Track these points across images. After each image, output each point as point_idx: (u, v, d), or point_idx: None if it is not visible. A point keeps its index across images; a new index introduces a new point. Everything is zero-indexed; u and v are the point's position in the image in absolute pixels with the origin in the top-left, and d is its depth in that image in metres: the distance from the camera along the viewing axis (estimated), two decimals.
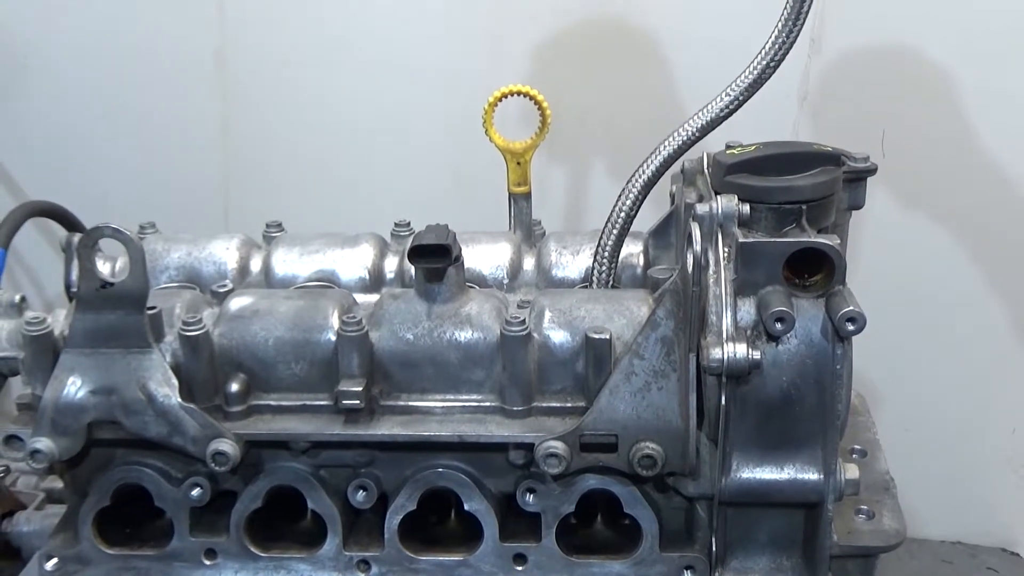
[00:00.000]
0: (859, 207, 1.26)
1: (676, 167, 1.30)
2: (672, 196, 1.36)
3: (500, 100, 1.32)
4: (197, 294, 1.24)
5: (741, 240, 1.08)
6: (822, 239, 1.07)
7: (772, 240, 1.08)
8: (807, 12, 1.22)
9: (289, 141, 2.04)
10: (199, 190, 2.07)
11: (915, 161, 1.88)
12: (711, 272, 1.09)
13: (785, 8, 1.21)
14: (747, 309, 1.08)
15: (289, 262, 1.31)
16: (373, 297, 1.24)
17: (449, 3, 1.93)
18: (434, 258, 1.13)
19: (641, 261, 1.31)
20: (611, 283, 1.27)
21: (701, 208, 1.10)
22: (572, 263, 1.30)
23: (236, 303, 1.19)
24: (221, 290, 1.24)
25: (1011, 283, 1.94)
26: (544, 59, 1.91)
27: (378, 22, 1.95)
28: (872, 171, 1.24)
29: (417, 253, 1.13)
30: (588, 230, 1.34)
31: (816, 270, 1.09)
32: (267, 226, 1.39)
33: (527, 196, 1.36)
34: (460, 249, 1.17)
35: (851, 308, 1.04)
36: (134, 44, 2.01)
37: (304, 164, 2.04)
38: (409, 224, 1.38)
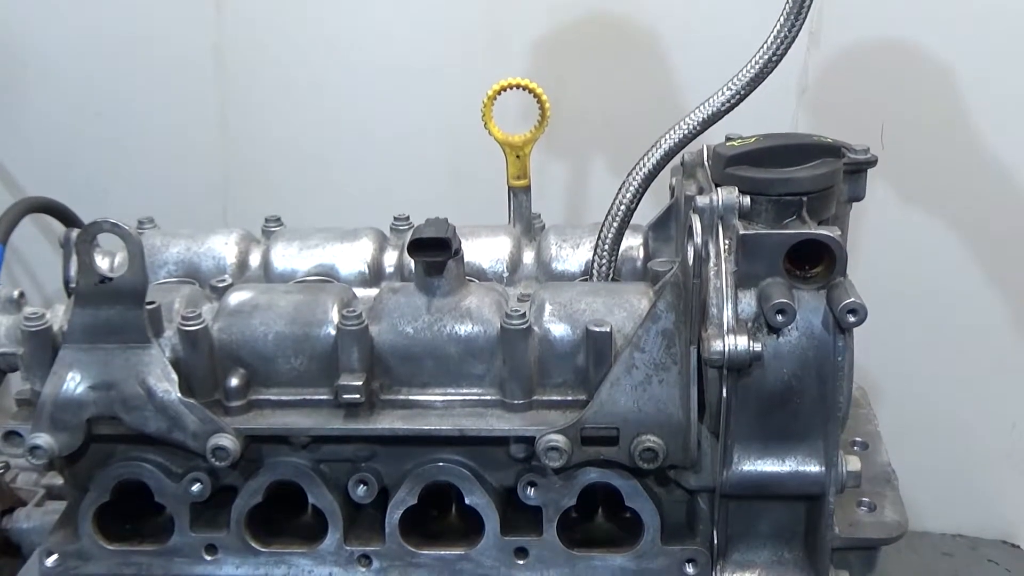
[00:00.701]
0: (859, 199, 1.26)
1: (676, 160, 1.29)
2: (672, 189, 1.36)
3: (499, 93, 1.31)
4: (196, 289, 1.24)
5: (742, 232, 1.07)
6: (823, 230, 1.07)
7: (773, 232, 1.08)
8: (809, 7, 1.22)
9: (288, 136, 2.03)
10: (198, 186, 2.06)
11: (914, 154, 1.88)
12: (712, 264, 1.09)
13: (787, 3, 1.21)
14: (748, 301, 1.08)
15: (288, 257, 1.30)
16: (373, 291, 1.23)
17: (449, 1, 1.92)
18: (434, 252, 1.13)
19: (641, 254, 1.31)
20: (611, 276, 1.27)
21: (701, 200, 1.10)
22: (572, 256, 1.30)
23: (235, 298, 1.18)
24: (220, 285, 1.24)
25: (1012, 276, 1.94)
26: (544, 53, 1.90)
27: (377, 17, 1.95)
28: (872, 163, 1.24)
29: (416, 247, 1.13)
30: (588, 223, 1.34)
31: (817, 262, 1.09)
32: (266, 221, 1.39)
33: (527, 189, 1.36)
34: (460, 243, 1.16)
35: (852, 300, 1.04)
36: (132, 41, 2.00)
37: (303, 159, 2.04)
38: (408, 218, 1.38)
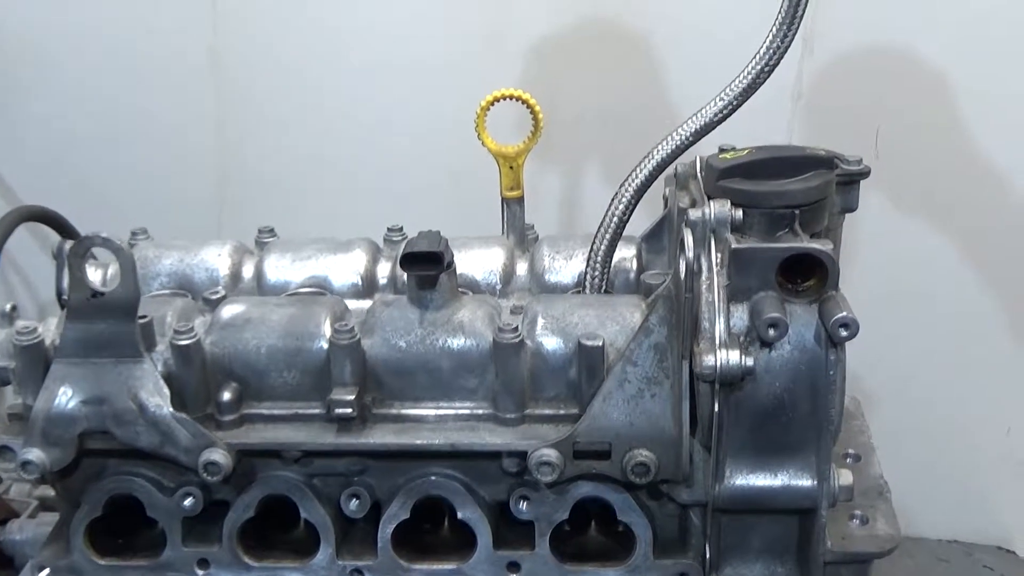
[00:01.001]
0: (852, 210, 1.26)
1: (669, 170, 1.29)
2: (665, 199, 1.36)
3: (492, 104, 1.31)
4: (189, 302, 1.23)
5: (734, 246, 1.07)
6: (815, 244, 1.07)
7: (765, 246, 1.08)
8: (801, 16, 1.22)
9: (284, 140, 2.03)
10: (194, 190, 2.06)
11: (909, 160, 1.88)
12: (704, 278, 1.09)
13: (779, 12, 1.21)
14: (740, 315, 1.08)
15: (281, 268, 1.30)
16: (366, 303, 1.23)
17: (446, 2, 1.92)
18: (426, 265, 1.13)
19: (634, 265, 1.30)
20: (604, 288, 1.27)
21: (694, 213, 1.10)
22: (565, 268, 1.30)
23: (228, 311, 1.18)
24: (213, 297, 1.24)
25: (1006, 281, 1.94)
26: (539, 59, 1.90)
27: (375, 20, 1.94)
28: (865, 174, 1.24)
29: (409, 260, 1.13)
30: (581, 234, 1.33)
31: (809, 275, 1.09)
32: (259, 232, 1.38)
33: (520, 200, 1.35)
34: (452, 255, 1.16)
35: (844, 314, 1.04)
36: (127, 43, 1.99)
37: (300, 163, 2.03)
38: (402, 229, 1.37)
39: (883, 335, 1.91)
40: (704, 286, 1.08)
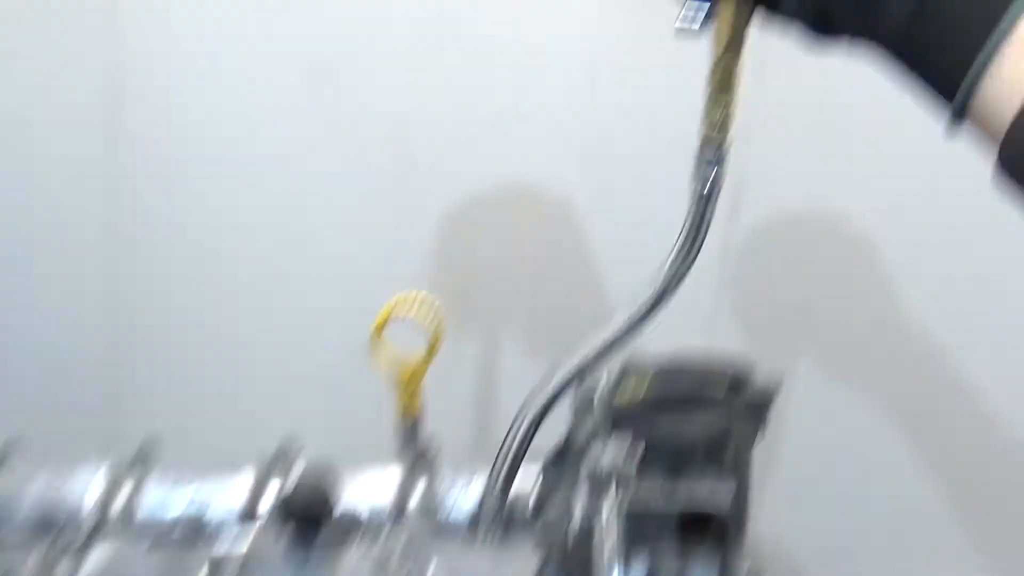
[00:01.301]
0: (762, 435, 1.20)
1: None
2: (570, 414, 1.30)
3: (385, 323, 1.25)
4: (46, 552, 1.14)
5: (628, 499, 1.02)
6: (711, 500, 1.02)
7: (661, 500, 1.03)
8: (706, 230, 1.18)
9: (180, 312, 1.94)
10: (83, 367, 1.96)
11: (841, 325, 1.85)
12: (599, 530, 1.03)
13: (681, 232, 1.17)
14: (638, 568, 1.02)
15: (158, 495, 1.22)
16: (250, 532, 1.15)
17: (362, 164, 1.88)
18: (307, 517, 1.06)
19: (535, 495, 1.23)
20: (502, 520, 1.19)
21: (590, 458, 1.05)
22: (462, 498, 1.22)
23: (92, 561, 1.10)
24: (77, 539, 1.15)
25: (941, 447, 1.90)
26: (455, 225, 1.86)
27: (284, 195, 1.88)
28: (775, 396, 1.19)
29: (288, 513, 1.06)
30: (484, 455, 1.26)
31: (708, 522, 1.03)
32: (138, 449, 1.30)
33: (417, 422, 1.28)
34: (337, 499, 1.10)
35: (746, 567, 0.99)
36: (14, 206, 1.92)
37: (195, 339, 1.94)
38: (294, 445, 1.29)
39: (815, 505, 1.87)
40: (600, 537, 1.03)
